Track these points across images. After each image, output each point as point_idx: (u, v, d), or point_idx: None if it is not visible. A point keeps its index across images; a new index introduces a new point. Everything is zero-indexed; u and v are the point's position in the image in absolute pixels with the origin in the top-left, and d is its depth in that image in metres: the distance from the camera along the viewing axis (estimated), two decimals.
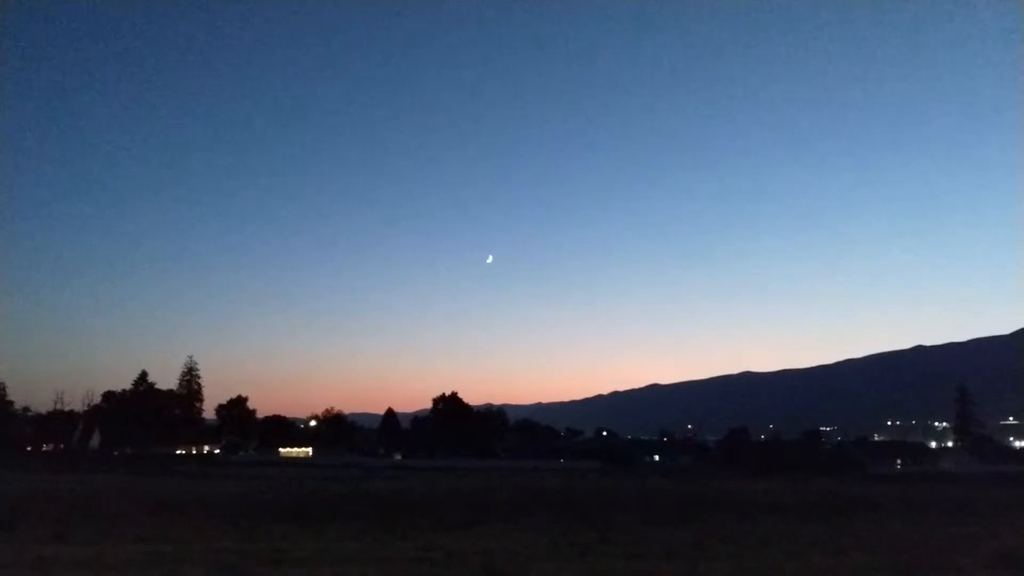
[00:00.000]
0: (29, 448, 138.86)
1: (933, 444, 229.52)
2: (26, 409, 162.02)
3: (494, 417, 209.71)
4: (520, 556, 20.14)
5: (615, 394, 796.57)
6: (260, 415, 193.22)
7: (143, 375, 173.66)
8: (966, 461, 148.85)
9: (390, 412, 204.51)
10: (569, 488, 63.16)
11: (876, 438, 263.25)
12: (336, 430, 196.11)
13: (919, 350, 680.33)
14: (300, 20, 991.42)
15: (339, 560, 18.98)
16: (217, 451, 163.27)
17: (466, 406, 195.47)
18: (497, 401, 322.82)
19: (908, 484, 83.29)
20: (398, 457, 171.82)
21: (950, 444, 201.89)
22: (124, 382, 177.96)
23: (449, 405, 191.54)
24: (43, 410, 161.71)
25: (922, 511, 41.33)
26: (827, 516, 36.74)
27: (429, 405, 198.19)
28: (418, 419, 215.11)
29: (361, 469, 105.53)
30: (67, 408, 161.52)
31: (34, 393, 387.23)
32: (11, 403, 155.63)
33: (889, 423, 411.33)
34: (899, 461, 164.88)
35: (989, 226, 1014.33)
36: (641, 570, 18.82)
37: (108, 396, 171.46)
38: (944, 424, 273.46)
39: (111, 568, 17.34)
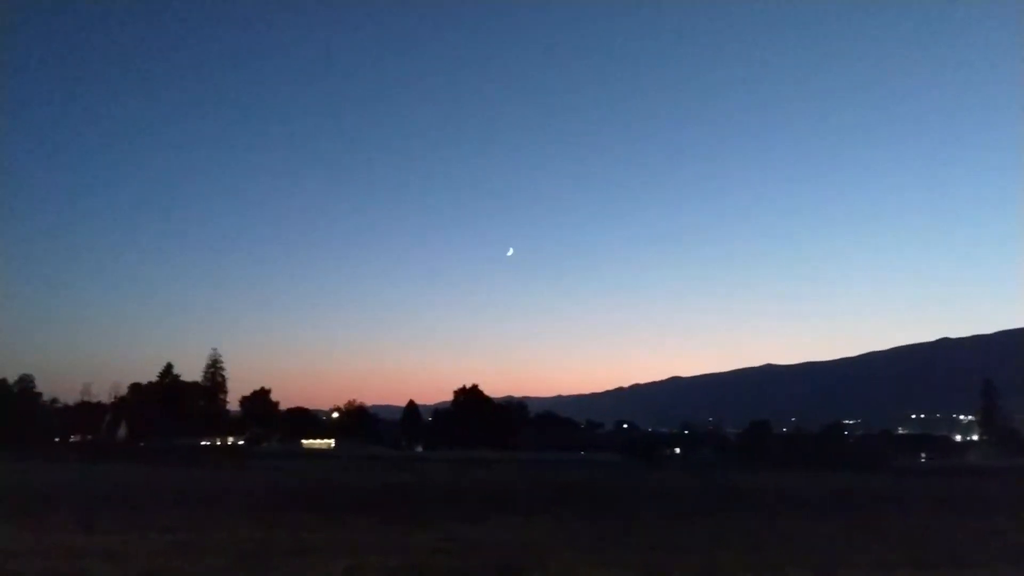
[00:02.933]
0: (57, 439, 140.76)
1: (958, 438, 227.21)
2: (54, 401, 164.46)
3: (514, 409, 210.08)
4: (538, 548, 20.23)
5: (635, 387, 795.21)
6: (283, 407, 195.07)
7: (168, 367, 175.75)
8: (992, 455, 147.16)
9: (411, 404, 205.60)
10: (589, 481, 63.22)
11: (900, 431, 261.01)
12: (358, 422, 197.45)
13: (944, 342, 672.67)
14: (313, 13, 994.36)
15: (359, 550, 19.16)
16: (241, 443, 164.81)
17: (487, 398, 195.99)
18: (518, 393, 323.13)
19: (932, 478, 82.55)
20: (419, 449, 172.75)
21: (975, 438, 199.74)
22: (150, 374, 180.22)
23: (470, 397, 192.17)
24: (70, 402, 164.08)
25: (946, 505, 41.01)
26: (849, 510, 36.56)
27: (450, 397, 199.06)
28: (439, 411, 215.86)
29: (382, 461, 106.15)
30: (94, 400, 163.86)
31: (61, 385, 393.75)
32: (39, 395, 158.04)
33: (913, 416, 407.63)
34: (923, 455, 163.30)
35: (1015, 216, 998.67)
36: (660, 563, 18.83)
37: (134, 388, 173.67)
38: (969, 417, 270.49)
39: (136, 557, 17.62)
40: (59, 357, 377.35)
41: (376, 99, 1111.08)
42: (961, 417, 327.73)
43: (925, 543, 23.43)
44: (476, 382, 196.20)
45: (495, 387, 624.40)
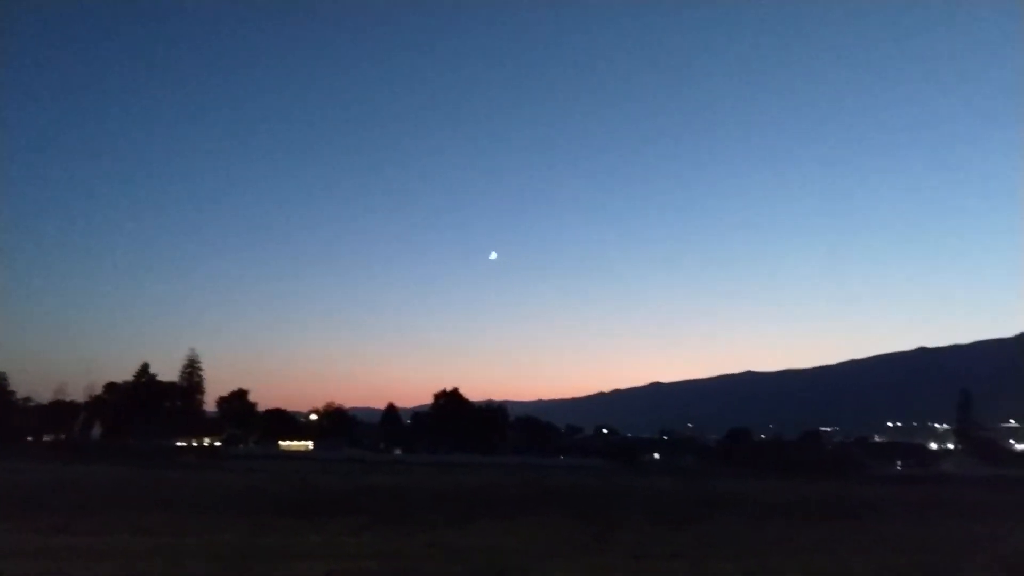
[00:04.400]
0: (30, 438, 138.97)
1: (934, 446, 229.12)
2: (27, 399, 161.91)
3: (495, 413, 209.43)
4: (523, 553, 20.08)
5: (616, 392, 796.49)
6: (261, 408, 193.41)
7: (145, 367, 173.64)
8: (967, 464, 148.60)
9: (391, 407, 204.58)
10: (571, 486, 63.09)
11: (877, 439, 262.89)
12: (337, 424, 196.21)
13: (922, 351, 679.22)
14: (303, 19, 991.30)
15: (342, 555, 18.93)
16: (218, 444, 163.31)
17: (467, 402, 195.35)
18: (498, 397, 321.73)
19: (909, 486, 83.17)
20: (398, 452, 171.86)
21: (951, 446, 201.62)
22: (126, 373, 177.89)
23: (450, 400, 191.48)
24: (44, 400, 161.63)
25: (923, 513, 41.25)
26: (829, 517, 36.65)
27: (430, 400, 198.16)
28: (419, 414, 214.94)
29: (362, 463, 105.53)
30: (69, 399, 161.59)
31: (35, 383, 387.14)
32: (12, 393, 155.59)
33: (890, 424, 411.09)
34: (900, 462, 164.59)
35: (994, 228, 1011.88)
36: (645, 569, 18.74)
37: (110, 387, 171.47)
38: (946, 426, 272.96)
39: (113, 559, 17.30)
40: (33, 355, 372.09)
41: (359, 103, 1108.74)
42: (937, 426, 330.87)
43: (904, 551, 23.49)
44: (456, 385, 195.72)
45: (475, 391, 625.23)
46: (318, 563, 17.66)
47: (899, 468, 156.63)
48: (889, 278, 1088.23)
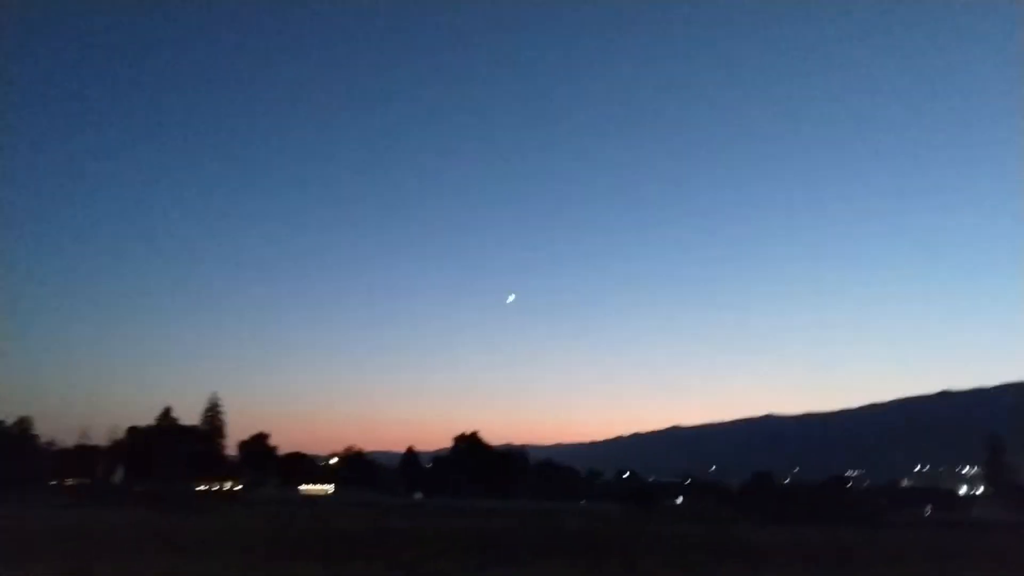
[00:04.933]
0: (53, 482, 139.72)
1: (963, 491, 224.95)
2: (51, 443, 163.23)
3: (515, 457, 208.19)
4: None
5: (636, 436, 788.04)
6: (281, 452, 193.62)
7: (167, 411, 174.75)
8: (997, 509, 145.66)
9: (410, 451, 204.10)
10: (590, 531, 62.59)
11: (904, 484, 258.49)
12: (356, 468, 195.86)
13: (945, 395, 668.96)
14: (301, 48, 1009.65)
15: None
16: (239, 487, 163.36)
17: (487, 446, 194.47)
18: (518, 441, 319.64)
19: (937, 532, 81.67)
20: (418, 496, 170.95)
21: (980, 491, 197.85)
22: (148, 418, 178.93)
23: (470, 444, 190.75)
24: (68, 444, 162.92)
25: (949, 560, 40.64)
26: (852, 567, 36.23)
27: (450, 444, 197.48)
28: (439, 458, 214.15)
29: (381, 508, 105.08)
30: (92, 443, 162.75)
31: (58, 427, 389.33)
32: (36, 437, 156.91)
33: (916, 469, 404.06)
34: (928, 508, 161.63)
35: (1017, 269, 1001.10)
36: None
37: (132, 431, 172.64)
38: (974, 470, 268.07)
39: None
40: (57, 399, 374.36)
41: (380, 144, 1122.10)
42: (964, 471, 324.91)
43: None
44: (476, 429, 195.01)
45: (495, 434, 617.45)
46: None
47: (927, 514, 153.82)
48: (911, 320, 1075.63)
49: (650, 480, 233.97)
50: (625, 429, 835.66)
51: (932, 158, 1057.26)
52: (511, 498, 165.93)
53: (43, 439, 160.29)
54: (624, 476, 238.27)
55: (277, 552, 32.55)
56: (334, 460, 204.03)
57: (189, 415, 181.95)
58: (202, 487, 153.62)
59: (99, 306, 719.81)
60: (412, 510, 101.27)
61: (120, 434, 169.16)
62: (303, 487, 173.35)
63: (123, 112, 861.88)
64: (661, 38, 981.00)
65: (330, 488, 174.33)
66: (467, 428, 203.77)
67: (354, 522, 63.92)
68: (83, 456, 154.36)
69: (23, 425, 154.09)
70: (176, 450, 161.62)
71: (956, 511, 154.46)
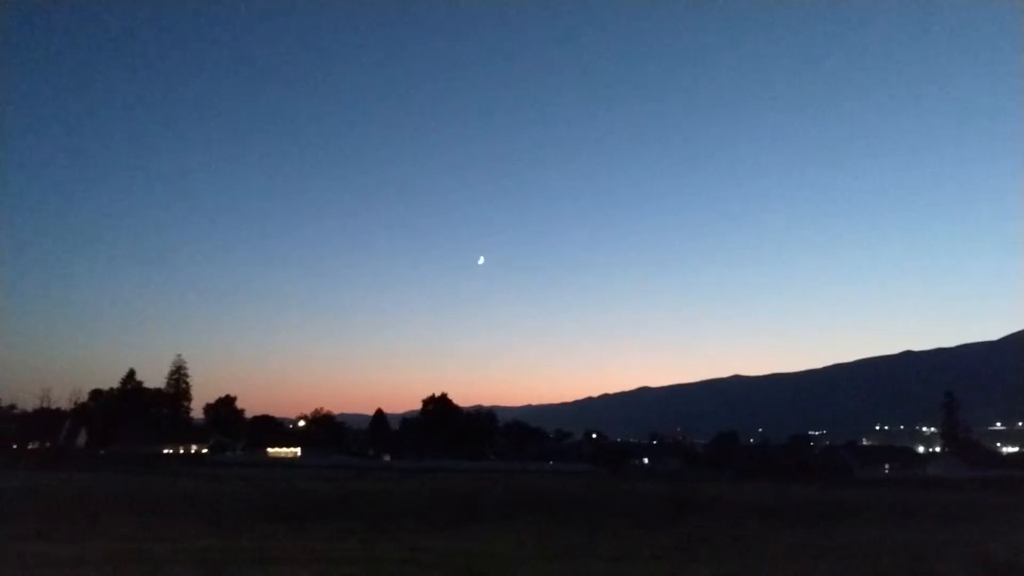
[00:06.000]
0: (15, 446, 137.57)
1: (921, 449, 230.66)
2: (12, 407, 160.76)
3: (484, 419, 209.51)
4: (505, 558, 20.13)
5: (605, 396, 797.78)
6: (248, 415, 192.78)
7: (131, 373, 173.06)
8: (954, 466, 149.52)
9: (379, 413, 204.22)
10: (557, 490, 63.15)
11: (864, 442, 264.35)
12: (325, 431, 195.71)
13: (908, 355, 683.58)
14: (299, 24, 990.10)
15: (324, 560, 18.89)
16: (205, 451, 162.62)
17: (456, 407, 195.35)
18: (487, 403, 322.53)
19: (895, 489, 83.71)
20: (387, 458, 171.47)
21: (938, 449, 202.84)
22: (112, 380, 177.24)
23: (439, 406, 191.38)
24: (29, 408, 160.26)
25: (907, 516, 41.57)
26: (812, 521, 36.87)
27: (419, 406, 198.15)
28: (407, 420, 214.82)
29: (349, 470, 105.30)
30: (54, 406, 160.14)
31: (20, 390, 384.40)
32: None
33: (877, 428, 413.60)
34: (887, 466, 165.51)
35: (980, 232, 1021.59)
36: (624, 572, 18.84)
37: (95, 394, 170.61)
38: (932, 429, 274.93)
39: (94, 566, 17.23)
40: (18, 362, 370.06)
41: (349, 109, 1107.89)
42: (924, 429, 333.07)
43: (885, 554, 23.66)
44: (445, 391, 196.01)
45: (464, 396, 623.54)
46: (301, 569, 17.63)
47: (886, 472, 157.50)
48: (875, 282, 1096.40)
49: (618, 440, 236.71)
50: (594, 390, 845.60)
51: (904, 123, 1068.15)
52: (480, 459, 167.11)
53: (4, 402, 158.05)
54: (593, 436, 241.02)
55: (242, 514, 32.26)
56: (302, 423, 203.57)
57: (154, 378, 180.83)
58: (168, 451, 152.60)
59: (62, 268, 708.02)
60: (381, 472, 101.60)
61: (83, 397, 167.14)
62: (271, 450, 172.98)
63: (96, 66, 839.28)
64: None
65: (298, 451, 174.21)
66: (436, 390, 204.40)
67: (321, 484, 63.85)
68: (45, 420, 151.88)
69: None
70: (140, 413, 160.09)
71: (914, 469, 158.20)
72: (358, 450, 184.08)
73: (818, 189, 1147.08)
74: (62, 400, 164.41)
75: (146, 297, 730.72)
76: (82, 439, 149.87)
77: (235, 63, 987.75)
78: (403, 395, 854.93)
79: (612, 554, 21.65)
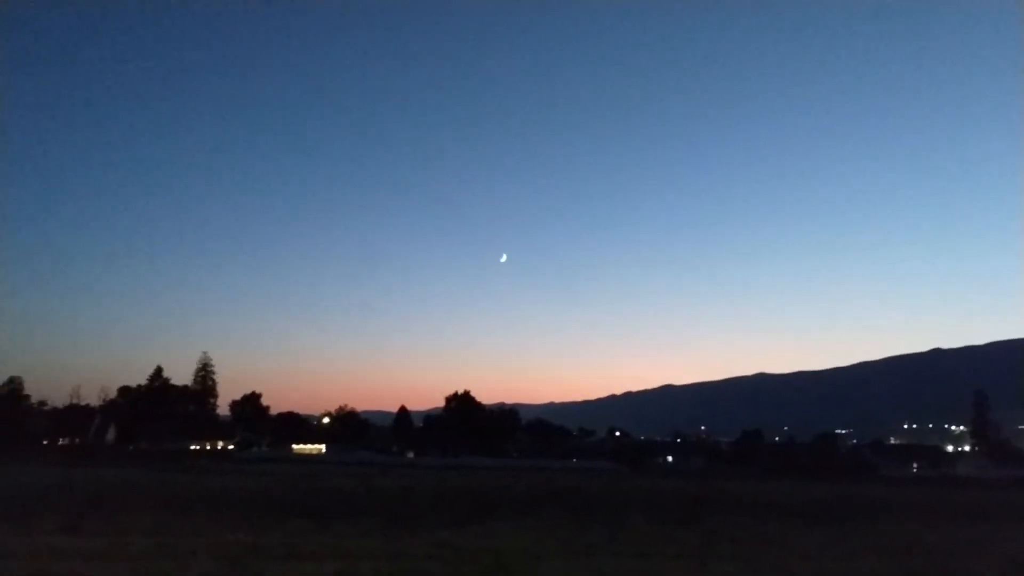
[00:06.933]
0: (45, 442, 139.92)
1: (950, 448, 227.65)
2: (42, 403, 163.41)
3: (506, 416, 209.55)
4: (529, 554, 20.13)
5: (628, 394, 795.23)
6: (274, 412, 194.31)
7: (158, 370, 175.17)
8: (983, 465, 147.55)
9: (403, 410, 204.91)
10: (580, 487, 63.03)
11: (892, 441, 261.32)
12: (349, 428, 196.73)
13: (936, 353, 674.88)
14: (313, 18, 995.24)
15: (348, 555, 19.02)
16: (231, 447, 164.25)
17: (479, 405, 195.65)
18: (510, 400, 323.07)
19: (923, 488, 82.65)
20: (411, 455, 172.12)
21: (967, 448, 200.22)
22: (140, 377, 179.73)
23: (462, 404, 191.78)
24: (59, 404, 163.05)
25: (936, 515, 41.00)
26: (839, 519, 36.49)
27: (442, 404, 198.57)
28: (431, 417, 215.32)
29: (373, 466, 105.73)
30: (83, 403, 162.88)
31: (50, 387, 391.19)
32: (27, 397, 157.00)
33: (905, 426, 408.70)
34: (915, 465, 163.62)
35: (1008, 228, 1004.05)
36: (649, 569, 18.77)
37: (124, 391, 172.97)
38: (961, 428, 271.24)
39: (122, 559, 17.45)
40: (48, 359, 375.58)
41: (371, 106, 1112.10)
42: (952, 428, 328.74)
43: (915, 552, 23.39)
44: (468, 388, 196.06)
45: (487, 394, 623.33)
46: (326, 563, 17.77)
47: (914, 470, 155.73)
48: (903, 279, 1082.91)
49: (641, 438, 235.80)
50: (618, 388, 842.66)
51: (926, 119, 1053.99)
52: (503, 457, 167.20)
53: (34, 399, 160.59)
54: (616, 434, 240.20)
55: (268, 509, 32.51)
56: (327, 420, 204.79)
57: (181, 375, 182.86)
58: (194, 447, 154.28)
59: (92, 266, 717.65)
60: (404, 468, 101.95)
61: (112, 394, 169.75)
62: (295, 447, 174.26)
63: (113, 67, 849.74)
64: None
65: (323, 448, 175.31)
66: (459, 388, 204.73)
67: (346, 480, 64.19)
68: (75, 416, 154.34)
69: (14, 385, 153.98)
70: (167, 410, 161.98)
71: (942, 468, 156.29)
72: (382, 447, 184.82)
73: (847, 187, 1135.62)
74: (91, 397, 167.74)
75: (173, 296, 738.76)
76: (111, 435, 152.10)
77: (245, 62, 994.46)
78: (426, 392, 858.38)
79: (636, 550, 21.58)
